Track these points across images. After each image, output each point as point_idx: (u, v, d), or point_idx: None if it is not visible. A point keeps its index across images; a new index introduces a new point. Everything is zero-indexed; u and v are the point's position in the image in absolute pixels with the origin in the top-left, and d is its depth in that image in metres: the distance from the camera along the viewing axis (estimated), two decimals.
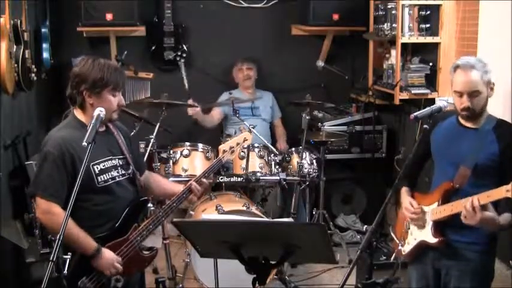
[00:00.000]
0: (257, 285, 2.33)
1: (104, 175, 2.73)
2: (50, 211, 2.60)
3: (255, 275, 2.32)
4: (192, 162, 4.39)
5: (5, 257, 3.76)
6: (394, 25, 4.70)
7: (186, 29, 5.49)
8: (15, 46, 4.01)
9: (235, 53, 5.50)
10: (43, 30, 4.85)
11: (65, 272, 2.19)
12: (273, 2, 5.60)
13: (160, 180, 3.18)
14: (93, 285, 2.65)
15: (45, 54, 4.85)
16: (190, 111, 4.95)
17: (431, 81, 4.66)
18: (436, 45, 4.62)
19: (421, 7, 4.62)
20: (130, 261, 2.75)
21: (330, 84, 5.68)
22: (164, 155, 4.38)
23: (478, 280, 2.81)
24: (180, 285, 4.16)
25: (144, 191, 2.99)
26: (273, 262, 2.31)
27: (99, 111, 2.54)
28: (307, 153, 4.61)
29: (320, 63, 5.44)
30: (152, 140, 4.25)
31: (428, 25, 4.64)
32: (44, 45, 4.84)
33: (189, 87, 5.03)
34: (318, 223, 4.49)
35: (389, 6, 4.75)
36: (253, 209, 4.13)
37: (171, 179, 4.25)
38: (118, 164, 2.80)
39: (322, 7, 5.30)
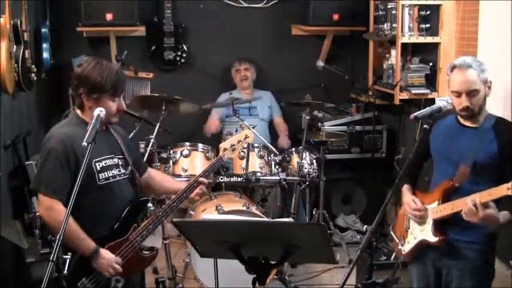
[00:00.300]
0: (257, 285, 2.33)
1: (105, 173, 2.73)
2: (52, 208, 2.60)
3: (255, 275, 2.32)
4: (192, 162, 4.39)
5: (5, 257, 3.76)
6: (394, 25, 4.71)
7: (186, 29, 5.49)
8: (15, 46, 4.01)
9: (235, 53, 5.51)
10: (43, 30, 4.85)
11: (65, 272, 2.19)
12: (273, 2, 5.60)
13: (163, 177, 3.18)
14: (93, 286, 2.65)
15: (45, 54, 4.85)
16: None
17: (431, 81, 4.66)
18: (436, 45, 4.63)
19: (421, 7, 4.62)
20: (130, 262, 2.75)
21: (330, 84, 5.68)
22: (164, 155, 4.38)
23: (479, 279, 2.81)
24: (180, 285, 4.16)
25: (145, 191, 2.99)
26: (273, 262, 2.31)
27: (99, 111, 2.54)
28: (307, 153, 4.61)
29: (320, 63, 5.44)
30: (152, 140, 4.25)
31: (428, 25, 4.64)
32: (44, 45, 4.84)
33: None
34: (318, 223, 4.48)
35: (389, 6, 4.75)
36: (253, 209, 4.13)
37: None
38: (118, 163, 2.81)
39: (322, 7, 5.31)
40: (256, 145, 4.47)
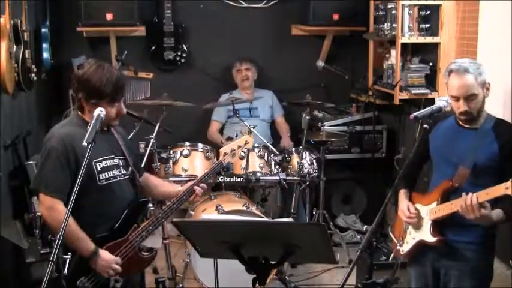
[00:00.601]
0: (257, 285, 2.33)
1: (105, 173, 2.73)
2: (53, 207, 2.60)
3: (255, 275, 2.32)
4: (192, 162, 4.39)
5: (5, 257, 3.76)
6: (394, 25, 4.70)
7: (186, 29, 5.49)
8: (15, 46, 4.01)
9: (235, 53, 5.51)
10: (43, 30, 4.85)
11: (65, 272, 2.19)
12: (273, 2, 5.60)
13: (158, 182, 3.16)
14: (92, 285, 2.65)
15: (45, 54, 4.85)
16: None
17: (431, 81, 4.66)
18: (436, 45, 4.62)
19: (421, 7, 4.62)
20: (129, 262, 2.75)
21: (330, 84, 5.68)
22: (164, 155, 4.38)
23: (478, 279, 2.81)
24: (180, 285, 4.16)
25: (144, 192, 2.99)
26: (273, 262, 2.31)
27: (99, 111, 2.54)
28: (307, 153, 4.61)
29: (320, 63, 5.44)
30: (152, 140, 4.25)
31: (428, 25, 4.64)
32: (44, 45, 4.84)
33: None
34: (318, 223, 4.48)
35: (389, 6, 4.75)
36: (253, 209, 4.13)
37: (171, 179, 4.25)
38: (119, 164, 2.81)
39: (322, 7, 5.30)
40: (256, 145, 4.46)
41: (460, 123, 2.81)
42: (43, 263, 3.58)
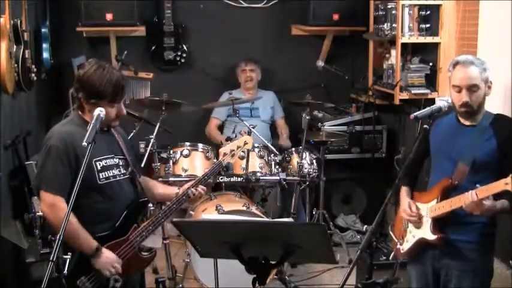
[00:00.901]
0: (257, 285, 2.33)
1: (105, 172, 2.73)
2: (55, 205, 2.60)
3: (255, 275, 2.32)
4: (192, 162, 4.39)
5: (5, 257, 3.76)
6: (394, 25, 4.71)
7: (186, 29, 5.49)
8: (15, 46, 4.01)
9: (235, 53, 5.51)
10: (43, 30, 4.85)
11: (65, 272, 2.19)
12: (273, 2, 5.60)
13: (154, 184, 3.15)
14: (92, 285, 2.65)
15: (45, 54, 4.85)
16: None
17: (431, 81, 4.66)
18: (436, 45, 4.63)
19: (421, 7, 4.62)
20: (129, 262, 2.75)
21: (330, 84, 5.68)
22: (164, 155, 4.37)
23: (478, 279, 2.81)
24: (180, 285, 4.16)
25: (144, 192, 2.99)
26: (273, 262, 2.31)
27: (99, 111, 2.55)
28: (307, 153, 4.61)
29: (320, 63, 5.43)
30: (152, 140, 4.25)
31: (428, 25, 4.64)
32: (44, 45, 4.84)
33: None
34: (318, 223, 4.49)
35: (389, 6, 4.75)
36: (253, 209, 4.13)
37: (171, 179, 4.25)
38: (119, 164, 2.81)
39: (322, 7, 5.30)
40: (256, 145, 4.46)
41: (460, 119, 2.82)
42: (43, 263, 3.58)
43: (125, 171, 2.83)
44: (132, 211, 2.80)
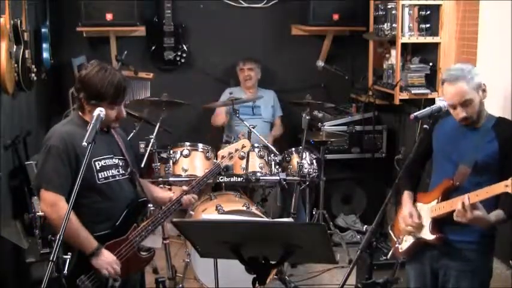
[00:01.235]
0: (257, 285, 2.33)
1: (105, 172, 2.74)
2: (55, 204, 2.61)
3: (255, 275, 2.32)
4: (192, 162, 4.39)
5: (5, 257, 3.76)
6: (394, 25, 4.70)
7: (186, 29, 5.49)
8: (15, 46, 4.01)
9: (235, 53, 5.50)
10: (43, 30, 4.85)
11: (65, 271, 2.19)
12: (273, 2, 5.60)
13: (149, 187, 3.13)
14: (91, 284, 2.65)
15: (45, 54, 4.85)
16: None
17: (431, 81, 4.66)
18: (436, 45, 4.62)
19: (421, 7, 4.62)
20: (128, 262, 2.75)
21: (330, 84, 5.68)
22: (164, 155, 4.37)
23: (477, 280, 2.81)
24: (180, 285, 4.16)
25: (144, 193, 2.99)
26: (273, 262, 2.31)
27: (99, 111, 2.55)
28: (307, 153, 4.61)
29: (320, 63, 5.43)
30: (152, 140, 4.25)
31: (428, 25, 4.64)
32: (44, 45, 4.84)
33: None
34: (318, 223, 4.49)
35: (389, 6, 4.75)
36: (253, 209, 4.14)
37: (171, 178, 4.25)
38: (118, 164, 2.81)
39: (322, 7, 5.30)
40: (256, 145, 4.47)
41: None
42: (43, 263, 3.58)
43: (124, 172, 2.83)
44: (132, 211, 2.81)
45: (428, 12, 4.63)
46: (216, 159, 3.53)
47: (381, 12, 4.93)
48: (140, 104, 4.85)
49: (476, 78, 2.71)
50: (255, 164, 4.42)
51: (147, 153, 4.25)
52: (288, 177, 4.44)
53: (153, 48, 5.44)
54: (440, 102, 2.77)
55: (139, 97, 5.47)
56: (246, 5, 5.59)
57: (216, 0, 5.53)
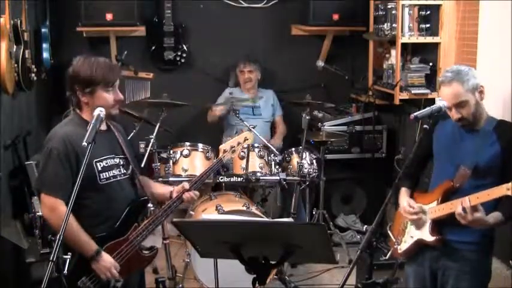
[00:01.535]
0: (257, 285, 2.33)
1: (106, 173, 2.74)
2: (54, 208, 2.61)
3: (255, 275, 2.32)
4: (192, 162, 4.39)
5: (5, 257, 3.76)
6: (394, 25, 4.70)
7: (186, 29, 5.49)
8: (15, 46, 4.01)
9: (235, 53, 5.50)
10: (43, 30, 4.85)
11: (65, 272, 2.19)
12: (273, 2, 5.60)
13: (148, 183, 3.13)
14: (93, 285, 2.65)
15: (45, 54, 4.86)
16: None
17: (431, 81, 4.66)
18: (436, 45, 4.62)
19: (421, 7, 4.62)
20: (130, 261, 2.75)
21: (330, 84, 5.68)
22: (164, 155, 4.37)
23: (476, 280, 2.81)
24: (180, 285, 4.16)
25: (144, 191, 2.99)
26: (273, 262, 2.31)
27: (99, 111, 2.55)
28: (307, 153, 4.61)
29: (320, 63, 5.43)
30: (152, 140, 4.25)
31: (428, 25, 4.64)
32: (44, 45, 4.84)
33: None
34: (318, 223, 4.49)
35: (389, 6, 4.75)
36: (253, 209, 4.13)
37: (171, 179, 4.25)
38: (119, 163, 2.81)
39: (322, 7, 5.30)
40: (256, 145, 4.47)
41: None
42: (43, 263, 3.58)
43: (125, 171, 2.83)
44: (132, 210, 2.81)
45: (428, 12, 4.63)
46: (216, 156, 3.53)
47: (380, 12, 4.93)
48: (140, 104, 4.85)
49: (473, 79, 2.70)
50: (255, 164, 4.41)
51: (147, 153, 4.25)
52: (288, 177, 4.44)
53: (153, 48, 5.44)
54: (440, 102, 2.77)
55: (139, 97, 5.47)
56: (246, 5, 5.58)
57: (216, 0, 5.53)
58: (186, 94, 4.96)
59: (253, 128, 4.42)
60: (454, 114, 2.72)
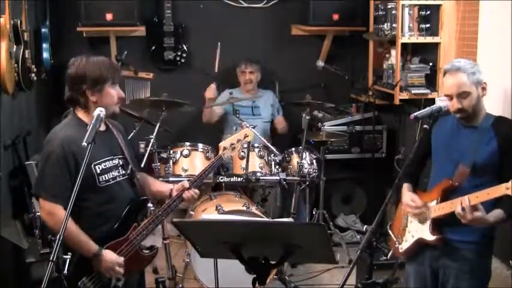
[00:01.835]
0: (257, 285, 2.33)
1: (105, 175, 2.73)
2: (53, 212, 2.61)
3: (255, 275, 2.32)
4: (192, 162, 4.39)
5: (5, 257, 3.76)
6: (394, 25, 4.71)
7: (186, 29, 5.49)
8: (15, 46, 4.01)
9: (235, 53, 5.49)
10: (43, 30, 4.85)
11: (65, 272, 2.19)
12: (273, 2, 5.60)
13: (149, 180, 3.13)
14: (94, 285, 2.65)
15: (45, 54, 4.85)
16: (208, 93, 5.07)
17: (431, 81, 4.66)
18: (436, 45, 4.63)
19: (421, 7, 4.62)
20: (130, 261, 2.75)
21: (330, 84, 5.68)
22: (164, 155, 4.38)
23: (476, 280, 2.81)
24: (180, 285, 4.16)
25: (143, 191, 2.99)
26: (273, 262, 2.31)
27: (99, 111, 2.55)
28: (307, 153, 4.61)
29: (320, 63, 5.43)
30: (152, 140, 4.24)
31: (428, 25, 4.64)
32: (44, 45, 4.84)
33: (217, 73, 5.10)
34: (318, 223, 4.49)
35: (389, 6, 4.75)
36: (253, 209, 4.13)
37: (171, 179, 4.25)
38: (118, 164, 2.81)
39: (322, 7, 5.30)
40: (256, 145, 4.47)
41: (460, 121, 2.82)
42: (43, 263, 3.58)
43: (124, 172, 2.83)
44: (132, 210, 2.80)
45: (428, 12, 4.63)
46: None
47: (380, 12, 4.93)
48: (140, 104, 4.84)
49: (478, 74, 2.72)
50: (255, 164, 4.42)
51: (147, 153, 4.25)
52: (288, 177, 4.45)
53: (153, 48, 5.44)
54: (440, 102, 2.77)
55: (140, 97, 5.47)
56: (246, 5, 5.59)
57: (216, 0, 5.53)
58: (186, 94, 4.96)
59: (253, 128, 4.42)
60: (455, 104, 2.72)
